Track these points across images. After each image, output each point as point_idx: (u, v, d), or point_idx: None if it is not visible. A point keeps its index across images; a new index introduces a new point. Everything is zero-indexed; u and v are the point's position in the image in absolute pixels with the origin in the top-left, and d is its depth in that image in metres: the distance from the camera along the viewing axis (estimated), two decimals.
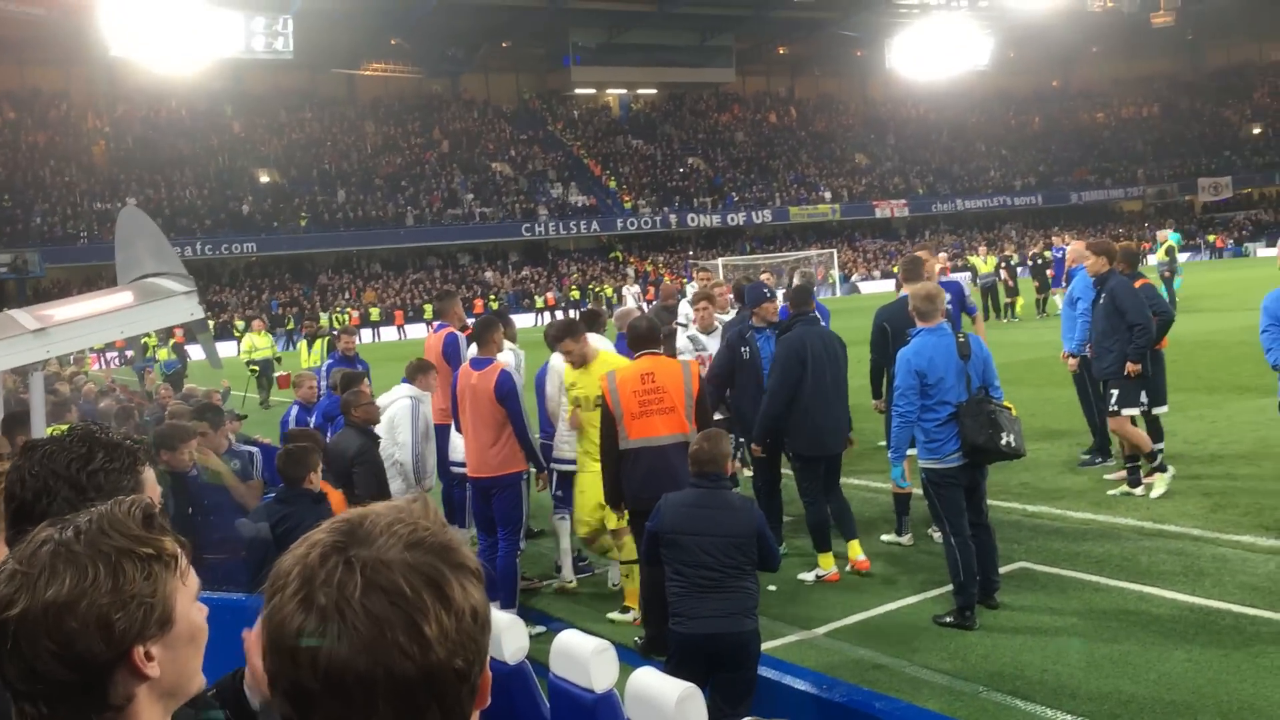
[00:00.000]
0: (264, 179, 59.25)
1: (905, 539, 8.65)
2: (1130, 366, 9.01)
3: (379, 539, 1.18)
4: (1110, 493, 9.53)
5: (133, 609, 1.47)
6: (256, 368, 22.93)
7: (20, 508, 2.14)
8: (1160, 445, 9.50)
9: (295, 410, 10.15)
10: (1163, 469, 9.34)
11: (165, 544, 1.55)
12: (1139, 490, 9.33)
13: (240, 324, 50.07)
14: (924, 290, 7.22)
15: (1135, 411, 9.31)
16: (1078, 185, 73.70)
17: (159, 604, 1.51)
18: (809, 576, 7.88)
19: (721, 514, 5.23)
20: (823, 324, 8.42)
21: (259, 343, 23.50)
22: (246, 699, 2.14)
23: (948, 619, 6.81)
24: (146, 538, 1.53)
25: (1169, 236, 28.34)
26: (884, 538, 8.67)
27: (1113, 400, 9.17)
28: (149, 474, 2.32)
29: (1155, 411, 9.56)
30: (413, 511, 1.23)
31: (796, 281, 12.10)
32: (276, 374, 23.12)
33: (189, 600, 1.58)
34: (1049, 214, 71.43)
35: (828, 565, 7.91)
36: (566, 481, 8.14)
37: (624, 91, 73.41)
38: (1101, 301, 9.29)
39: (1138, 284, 9.73)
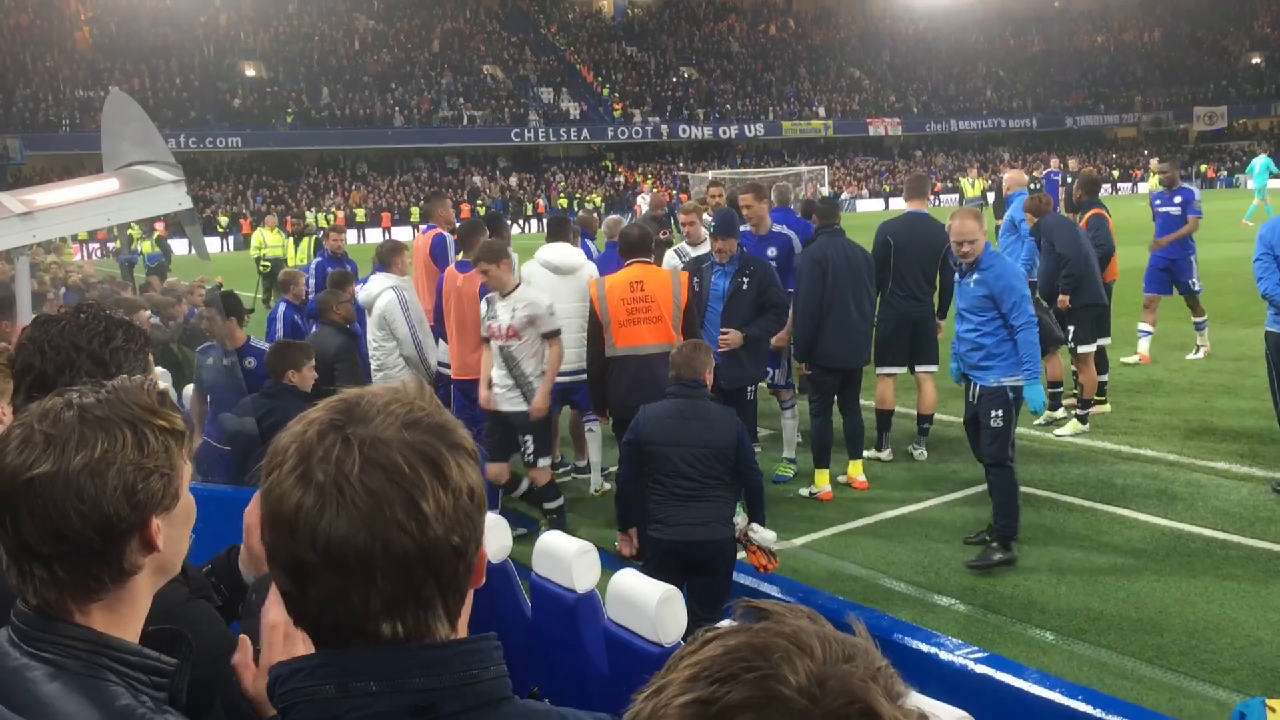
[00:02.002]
0: (250, 72, 58.14)
1: (885, 454, 8.73)
2: (1060, 299, 9.08)
3: (376, 418, 1.19)
4: (1036, 423, 9.36)
5: (154, 479, 1.51)
6: (269, 264, 21.95)
7: (39, 378, 2.14)
8: (1104, 377, 9.68)
9: (283, 308, 10.09)
10: (1084, 419, 9.27)
11: (177, 420, 1.58)
12: (1060, 416, 9.47)
13: (224, 219, 49.62)
14: None
15: (1092, 348, 9.32)
16: (1073, 109, 73.10)
17: (174, 477, 1.55)
18: (804, 492, 7.94)
19: (701, 425, 5.22)
20: (846, 236, 8.05)
21: (270, 239, 22.65)
22: (239, 574, 2.18)
23: (997, 557, 6.40)
24: (162, 411, 1.56)
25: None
26: (865, 453, 8.71)
27: (1069, 337, 9.18)
28: (151, 359, 2.34)
29: (1100, 343, 9.58)
30: (408, 392, 1.24)
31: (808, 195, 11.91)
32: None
33: (188, 480, 1.61)
34: (1043, 137, 70.91)
35: (823, 483, 7.93)
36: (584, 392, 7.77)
37: None
38: (1043, 242, 9.44)
39: (1091, 213, 10.00)
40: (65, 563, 1.46)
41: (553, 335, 6.91)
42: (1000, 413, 6.43)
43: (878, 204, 57.55)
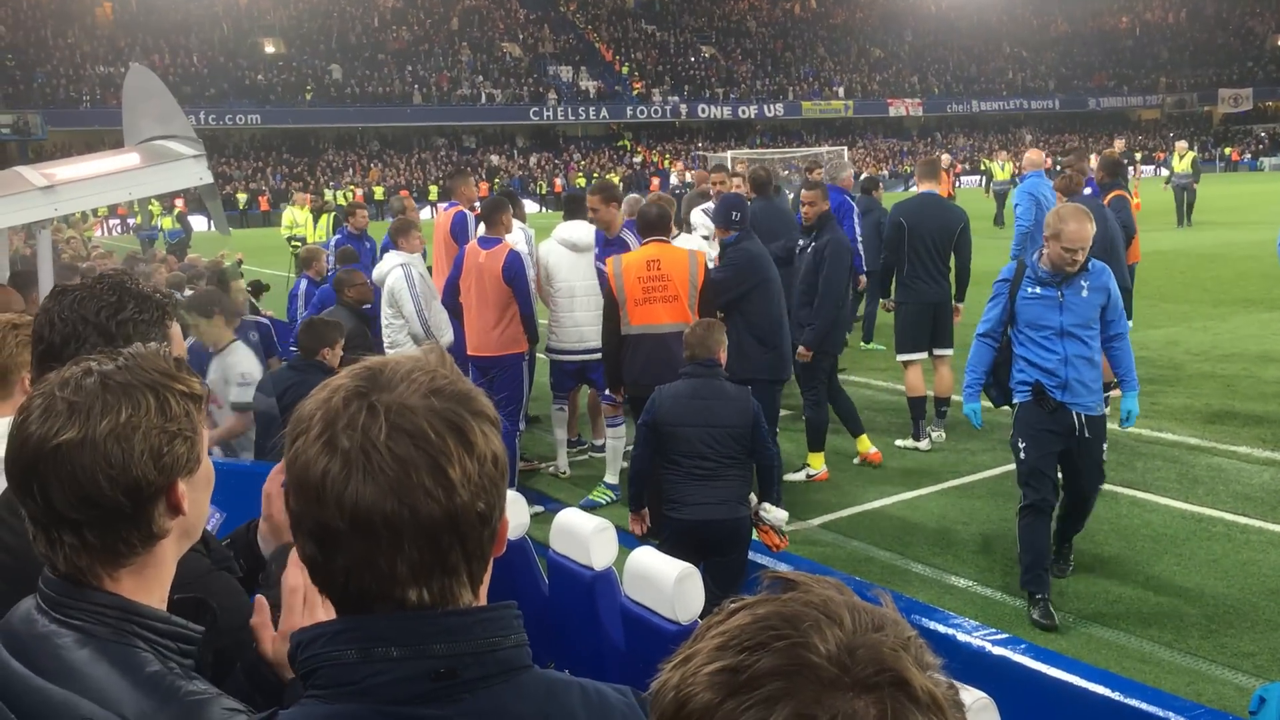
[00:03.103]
0: (269, 49, 58.18)
1: (924, 443, 8.54)
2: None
3: (400, 385, 1.19)
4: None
5: (178, 443, 1.52)
6: (299, 244, 21.64)
7: (48, 350, 2.14)
8: None
9: (304, 284, 10.11)
10: (1105, 402, 9.13)
11: (195, 384, 1.59)
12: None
13: (243, 196, 49.68)
14: None
15: None
16: (1096, 91, 72.48)
17: (196, 441, 1.56)
18: (799, 476, 7.89)
19: (718, 404, 5.22)
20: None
21: (300, 218, 22.47)
22: (259, 548, 2.18)
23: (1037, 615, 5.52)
24: (180, 376, 1.57)
25: None
26: (900, 442, 8.65)
27: None
28: (176, 329, 2.33)
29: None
30: (430, 361, 1.24)
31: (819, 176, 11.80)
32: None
33: (206, 445, 1.61)
34: (1065, 119, 70.43)
35: (818, 465, 7.93)
36: (559, 370, 8.15)
37: None
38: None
39: (1113, 194, 9.70)
40: (95, 528, 1.47)
41: None
42: (1106, 443, 5.84)
43: (897, 186, 57.18)
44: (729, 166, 12.11)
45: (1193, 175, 25.96)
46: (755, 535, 5.35)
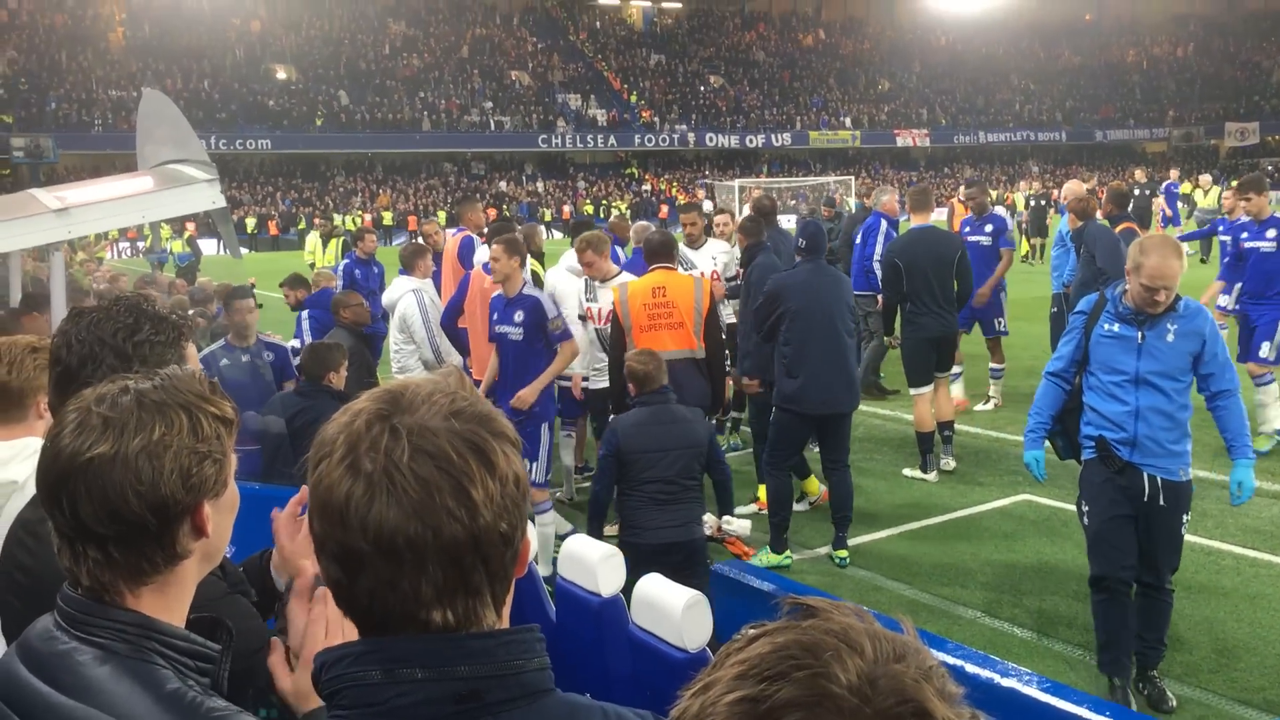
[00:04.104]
0: (280, 75, 58.57)
1: (932, 475, 8.51)
2: None
3: (421, 407, 1.20)
4: None
5: (207, 464, 1.53)
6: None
7: (66, 372, 2.15)
8: None
9: (306, 310, 10.12)
10: None
11: (227, 408, 1.60)
12: None
13: (252, 221, 49.87)
14: None
15: None
16: (1103, 123, 72.65)
17: (225, 464, 1.57)
18: (801, 506, 7.73)
19: (676, 427, 5.42)
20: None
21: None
22: (271, 577, 2.18)
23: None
24: (214, 398, 1.59)
25: None
26: (909, 471, 8.64)
27: None
28: (191, 350, 2.34)
29: None
30: (449, 383, 1.26)
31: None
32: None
33: (233, 468, 1.62)
34: (1072, 151, 70.54)
35: (814, 490, 7.91)
36: (568, 398, 8.10)
37: (648, 4, 72.16)
38: (1082, 251, 9.30)
39: (1121, 226, 9.70)
40: (120, 544, 1.48)
41: None
42: (1188, 515, 5.01)
43: (904, 215, 57.26)
44: (702, 208, 11.76)
45: (1218, 211, 23.78)
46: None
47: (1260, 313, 8.94)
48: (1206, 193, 24.28)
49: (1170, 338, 4.72)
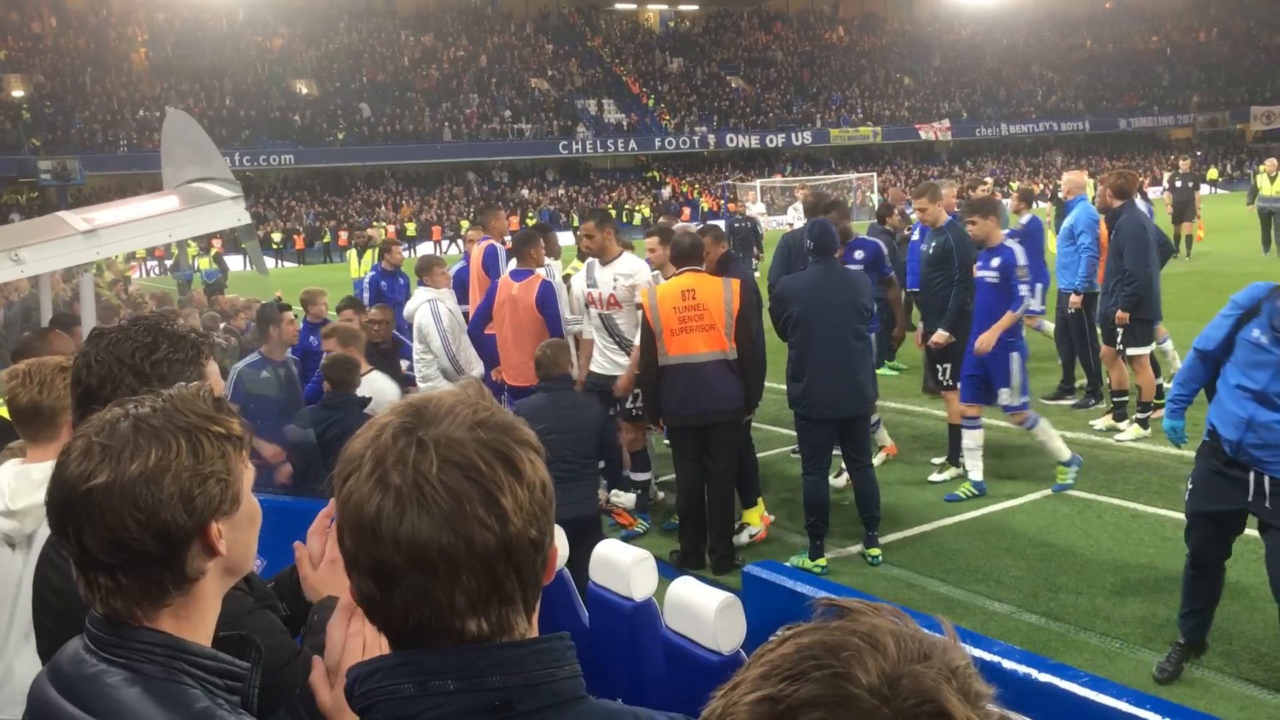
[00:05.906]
0: (302, 90, 58.97)
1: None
2: (1118, 314, 8.79)
3: (445, 418, 1.21)
4: (1094, 423, 9.56)
5: (211, 485, 1.52)
6: None
7: (86, 392, 2.16)
8: (1161, 380, 9.41)
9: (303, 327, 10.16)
10: (1144, 424, 9.04)
11: (234, 425, 1.59)
12: (1123, 426, 9.24)
13: (278, 235, 50.21)
14: None
15: (1146, 351, 9.04)
16: (1126, 111, 72.05)
17: (232, 482, 1.56)
18: (741, 538, 7.29)
19: (575, 411, 6.09)
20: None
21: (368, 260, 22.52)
22: (302, 594, 2.18)
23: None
24: (218, 417, 1.57)
25: None
26: (936, 472, 8.51)
27: (1118, 340, 8.93)
28: (212, 367, 2.33)
29: (1151, 348, 9.25)
30: (470, 394, 1.27)
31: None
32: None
33: (250, 483, 1.62)
34: (1096, 140, 69.98)
35: (755, 520, 7.48)
36: None
37: (665, 7, 72.17)
38: (1112, 239, 9.02)
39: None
40: (128, 571, 1.48)
41: None
42: None
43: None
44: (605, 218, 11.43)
45: None
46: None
47: (990, 355, 7.72)
48: (1273, 179, 21.60)
49: None
